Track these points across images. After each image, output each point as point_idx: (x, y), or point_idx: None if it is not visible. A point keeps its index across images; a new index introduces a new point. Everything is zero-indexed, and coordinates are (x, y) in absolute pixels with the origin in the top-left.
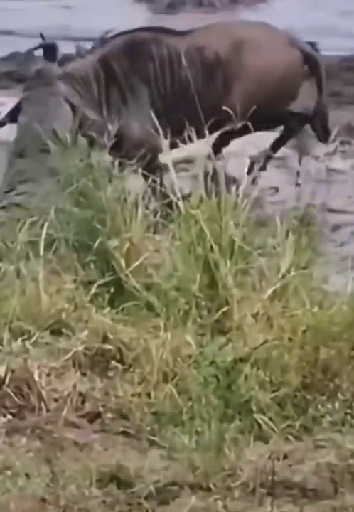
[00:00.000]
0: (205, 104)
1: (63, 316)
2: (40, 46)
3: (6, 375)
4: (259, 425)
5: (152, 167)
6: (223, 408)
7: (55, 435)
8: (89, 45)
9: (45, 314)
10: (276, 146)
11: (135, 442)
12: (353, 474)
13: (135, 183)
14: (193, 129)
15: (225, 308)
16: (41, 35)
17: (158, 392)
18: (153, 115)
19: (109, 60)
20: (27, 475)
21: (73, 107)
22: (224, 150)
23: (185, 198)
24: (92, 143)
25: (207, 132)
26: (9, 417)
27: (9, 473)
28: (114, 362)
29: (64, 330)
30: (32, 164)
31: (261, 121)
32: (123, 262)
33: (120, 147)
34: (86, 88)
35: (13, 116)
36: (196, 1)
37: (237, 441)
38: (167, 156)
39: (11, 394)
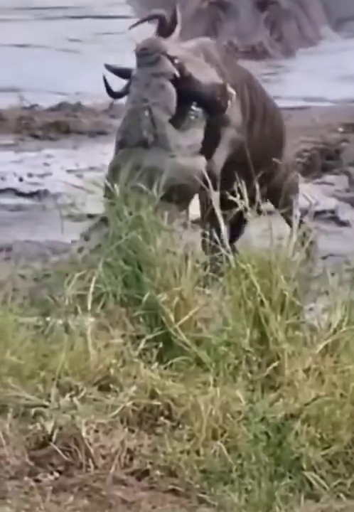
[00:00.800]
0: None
1: (111, 371)
2: (149, 17)
3: (53, 432)
4: (310, 483)
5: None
6: (273, 466)
7: (103, 493)
8: None
9: (93, 370)
10: None
11: (184, 500)
12: None
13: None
14: (243, 182)
15: (276, 364)
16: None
17: (208, 450)
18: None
19: None
20: None
21: None
22: None
23: (235, 251)
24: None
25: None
26: (56, 474)
27: None
28: (162, 418)
29: (112, 386)
30: None
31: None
32: (172, 317)
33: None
34: None
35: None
36: (249, 47)
37: (287, 499)
38: (217, 210)
39: (59, 451)
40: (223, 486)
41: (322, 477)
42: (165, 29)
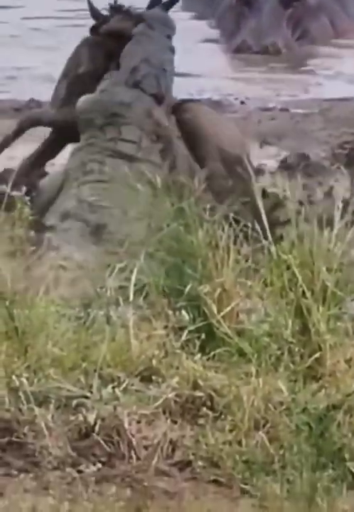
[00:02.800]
0: None
1: (153, 362)
2: None
3: (95, 423)
4: (352, 474)
5: (243, 211)
6: (315, 456)
7: (145, 484)
8: None
9: (135, 361)
10: None
11: (226, 491)
12: None
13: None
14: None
15: (318, 355)
16: None
17: (250, 440)
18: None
19: None
20: None
21: None
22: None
23: (277, 241)
24: (182, 186)
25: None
26: (99, 465)
27: None
28: (204, 409)
29: (154, 377)
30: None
31: None
32: (214, 308)
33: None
34: None
35: None
36: (262, 47)
37: (329, 490)
38: (259, 202)
39: (101, 442)
40: (265, 477)
41: None
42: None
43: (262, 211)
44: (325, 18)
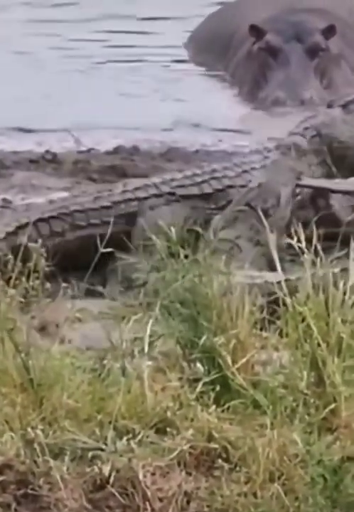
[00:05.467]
0: None
1: (168, 414)
2: None
3: (110, 475)
4: None
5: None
6: (330, 508)
7: None
8: None
9: (150, 413)
10: None
11: None
12: None
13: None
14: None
15: (333, 406)
16: None
17: (265, 492)
18: None
19: None
20: None
21: None
22: None
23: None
24: (197, 238)
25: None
26: None
27: None
28: (219, 461)
29: (169, 429)
30: None
31: None
32: (229, 359)
33: None
34: None
35: None
36: (298, 100)
37: None
38: (274, 252)
39: (116, 494)
40: None
41: None
42: None
43: (277, 263)
44: (346, 66)
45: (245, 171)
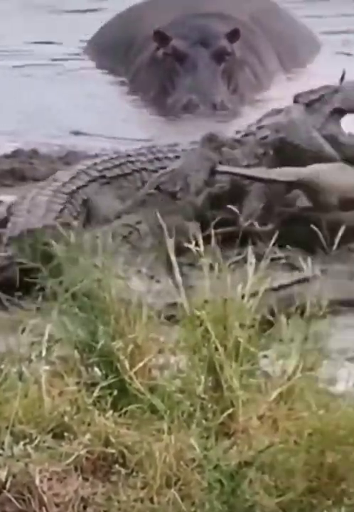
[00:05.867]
0: None
1: (66, 419)
2: None
3: (6, 480)
4: None
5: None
6: None
7: None
8: None
9: (47, 417)
10: None
11: None
12: None
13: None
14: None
15: (230, 411)
16: None
17: (161, 497)
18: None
19: None
20: None
21: None
22: None
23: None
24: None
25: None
26: None
27: None
28: (116, 466)
29: (66, 433)
30: None
31: None
32: (127, 364)
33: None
34: None
35: None
36: (210, 104)
37: None
38: (172, 257)
39: (12, 499)
40: None
41: None
42: None
43: (175, 267)
44: (250, 71)
45: (157, 159)
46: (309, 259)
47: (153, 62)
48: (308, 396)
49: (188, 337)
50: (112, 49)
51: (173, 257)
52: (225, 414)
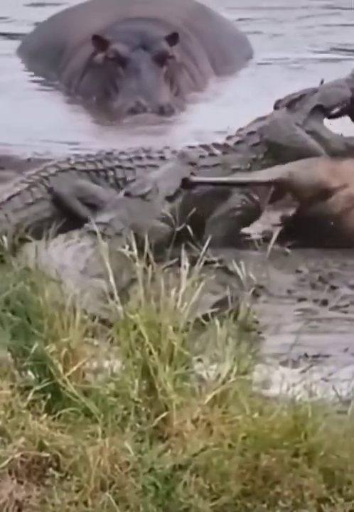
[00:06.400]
0: None
1: None
2: None
3: None
4: None
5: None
6: None
7: None
8: None
9: None
10: None
11: None
12: None
13: None
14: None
15: (164, 414)
16: None
17: (96, 501)
18: None
19: None
20: None
21: None
22: None
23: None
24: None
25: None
26: None
27: None
28: (51, 469)
29: (0, 437)
30: None
31: None
32: (60, 368)
33: None
34: None
35: None
36: (157, 107)
37: None
38: (106, 260)
39: None
40: None
41: None
42: None
43: (109, 270)
44: (188, 75)
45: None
46: (243, 265)
47: (90, 66)
48: (242, 399)
49: (121, 341)
50: (44, 53)
51: (106, 260)
52: (159, 418)
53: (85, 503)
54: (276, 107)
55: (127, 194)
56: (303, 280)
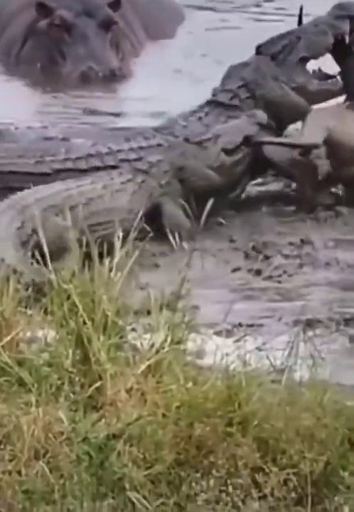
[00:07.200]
0: None
1: None
2: None
3: None
4: (133, 503)
5: None
6: (96, 486)
7: None
8: None
9: None
10: None
11: None
12: None
13: None
14: None
15: (98, 384)
16: None
17: (30, 470)
18: None
19: None
20: None
21: None
22: None
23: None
24: None
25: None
26: None
27: None
28: None
29: None
30: None
31: None
32: None
33: None
34: None
35: None
36: (109, 71)
37: None
38: (40, 231)
39: None
40: (45, 506)
41: (144, 497)
42: None
43: (43, 241)
44: (128, 41)
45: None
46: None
47: (32, 33)
48: (176, 369)
49: (55, 310)
50: None
51: (41, 232)
52: (93, 388)
53: (19, 472)
54: (258, 52)
55: (186, 139)
56: (236, 249)
